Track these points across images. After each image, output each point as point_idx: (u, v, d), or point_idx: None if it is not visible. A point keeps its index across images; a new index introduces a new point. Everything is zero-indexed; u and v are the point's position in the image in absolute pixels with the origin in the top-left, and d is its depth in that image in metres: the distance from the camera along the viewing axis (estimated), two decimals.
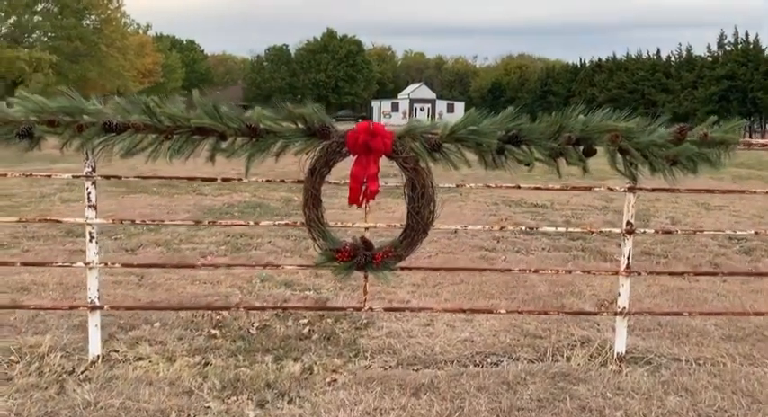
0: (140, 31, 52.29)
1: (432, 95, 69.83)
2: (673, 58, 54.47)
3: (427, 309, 3.80)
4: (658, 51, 55.59)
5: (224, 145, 3.36)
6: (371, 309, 3.63)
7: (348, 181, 3.37)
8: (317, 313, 4.41)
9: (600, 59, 60.66)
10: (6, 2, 33.61)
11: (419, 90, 70.23)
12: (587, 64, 62.05)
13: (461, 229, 3.82)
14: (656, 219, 9.23)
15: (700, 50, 60.84)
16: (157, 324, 4.14)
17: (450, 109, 64.08)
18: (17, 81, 32.29)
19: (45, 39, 36.94)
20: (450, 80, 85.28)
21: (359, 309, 3.71)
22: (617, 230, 3.74)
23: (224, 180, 3.43)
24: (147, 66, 49.10)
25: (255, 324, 4.21)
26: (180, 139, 3.36)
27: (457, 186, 3.63)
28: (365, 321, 4.25)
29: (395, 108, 66.30)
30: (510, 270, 4.27)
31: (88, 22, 39.09)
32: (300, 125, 3.35)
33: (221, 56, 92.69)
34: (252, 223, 3.49)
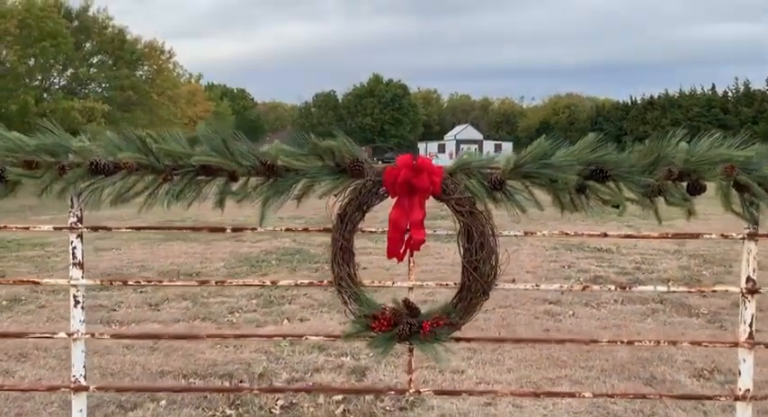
0: (192, 81, 53.74)
1: (479, 136, 69.32)
2: (730, 94, 52.72)
3: (490, 392, 3.01)
4: (713, 87, 53.92)
5: (235, 187, 2.73)
6: (419, 392, 2.88)
7: (387, 229, 2.69)
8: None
9: (652, 96, 59.22)
10: (64, 55, 34.85)
11: (465, 131, 69.86)
12: (638, 101, 60.64)
13: (531, 287, 3.01)
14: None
15: (758, 84, 58.72)
16: (164, 403, 3.48)
17: (498, 149, 63.24)
18: (72, 132, 33.13)
19: (99, 89, 38.07)
20: (497, 121, 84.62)
21: (403, 392, 2.96)
22: (735, 289, 2.92)
23: (234, 230, 2.80)
24: (198, 113, 50.19)
25: (280, 402, 3.50)
26: (181, 181, 2.75)
27: (525, 234, 2.90)
28: (411, 399, 3.49)
29: (441, 149, 65.87)
30: (597, 341, 3.43)
31: (141, 72, 40.22)
32: (327, 161, 2.70)
33: (271, 103, 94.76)
34: (269, 283, 2.81)
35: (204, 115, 53.58)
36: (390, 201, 2.72)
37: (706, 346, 4.38)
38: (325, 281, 2.76)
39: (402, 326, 2.61)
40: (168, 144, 2.73)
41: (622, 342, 3.67)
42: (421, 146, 68.79)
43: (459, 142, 66.50)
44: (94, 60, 38.89)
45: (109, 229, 2.82)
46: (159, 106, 39.27)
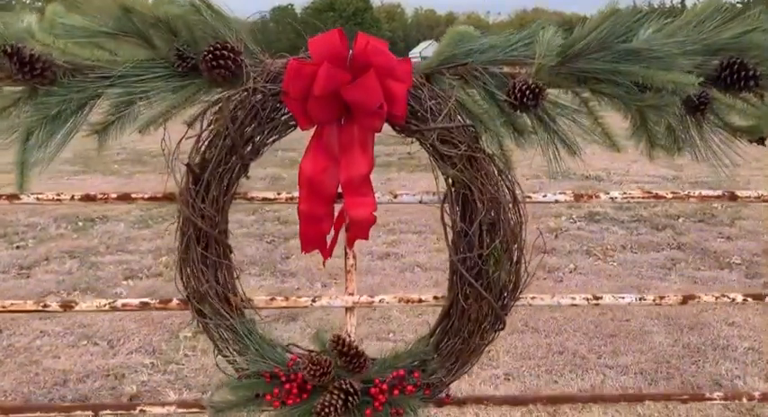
0: None
1: None
2: None
3: None
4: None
5: None
6: None
7: (297, 191, 1.29)
8: None
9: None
10: None
11: (431, 47, 67.33)
12: None
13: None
14: None
15: None
16: None
17: None
18: None
19: None
20: None
21: None
22: None
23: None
24: None
25: None
26: None
27: (578, 199, 1.49)
28: None
29: None
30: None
31: None
32: (161, 47, 1.24)
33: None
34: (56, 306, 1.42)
35: None
36: (300, 138, 1.30)
37: (738, 304, 3.17)
38: (175, 301, 1.36)
39: (330, 395, 1.25)
40: None
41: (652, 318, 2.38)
42: None
43: (424, 59, 63.91)
44: None
45: None
46: None
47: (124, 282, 4.09)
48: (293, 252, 4.49)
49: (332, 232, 1.33)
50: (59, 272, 4.28)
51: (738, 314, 3.56)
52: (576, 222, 5.74)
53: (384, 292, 3.59)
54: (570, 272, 4.41)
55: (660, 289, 3.97)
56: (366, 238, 1.31)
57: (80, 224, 5.53)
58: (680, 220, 5.83)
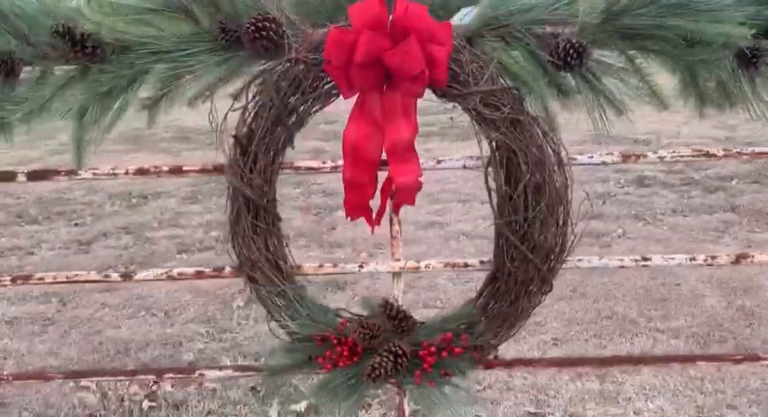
0: None
1: None
2: None
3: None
4: None
5: (17, 87, 1.32)
6: None
7: (341, 161, 1.31)
8: None
9: None
10: None
11: (470, 15, 65.99)
12: None
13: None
14: None
15: None
16: None
17: None
18: None
19: None
20: None
21: None
22: None
23: (32, 178, 1.41)
24: None
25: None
26: None
27: (626, 159, 1.45)
28: None
29: None
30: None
31: None
32: (204, 22, 1.26)
33: None
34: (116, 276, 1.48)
35: None
36: (344, 107, 1.31)
37: None
38: (228, 270, 1.41)
39: (380, 358, 1.29)
40: None
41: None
42: None
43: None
44: None
45: None
46: None
47: (178, 256, 4.23)
48: (339, 224, 4.55)
49: (378, 200, 1.35)
50: (117, 247, 4.44)
51: None
52: (624, 187, 5.63)
53: (431, 253, 3.62)
54: (619, 237, 4.35)
55: (713, 252, 3.88)
56: (413, 204, 1.33)
57: (134, 201, 5.71)
58: (733, 182, 5.65)
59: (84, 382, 2.53)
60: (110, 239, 4.67)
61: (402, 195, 1.31)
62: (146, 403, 2.40)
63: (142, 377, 1.49)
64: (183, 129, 9.49)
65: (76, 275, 1.42)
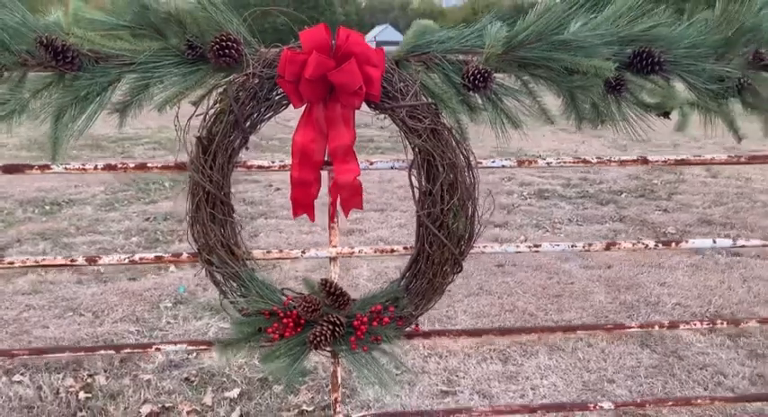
0: None
1: (399, 37, 66.83)
2: None
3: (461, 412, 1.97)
4: None
5: None
6: None
7: (289, 163, 1.54)
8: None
9: None
10: None
11: (385, 32, 67.19)
12: None
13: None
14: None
15: None
16: None
17: None
18: None
19: None
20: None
21: None
22: None
23: (6, 171, 1.55)
24: None
25: (146, 411, 2.41)
26: None
27: (521, 164, 1.75)
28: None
29: None
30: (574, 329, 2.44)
31: None
32: (172, 39, 1.47)
33: None
34: (82, 260, 1.64)
35: None
36: (293, 115, 1.55)
37: (663, 267, 3.57)
38: (185, 255, 1.61)
39: (320, 327, 1.52)
40: None
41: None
42: None
43: (378, 44, 63.83)
44: None
45: None
46: None
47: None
48: (261, 231, 4.72)
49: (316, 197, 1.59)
50: (33, 253, 4.41)
51: (669, 275, 3.97)
52: (526, 199, 6.12)
53: (354, 261, 3.87)
54: (522, 242, 4.77)
55: (601, 255, 4.35)
56: (360, 208, 1.58)
57: (47, 208, 5.62)
58: (622, 196, 6.28)
59: (16, 377, 2.59)
60: (25, 245, 4.61)
61: (346, 196, 1.56)
62: (82, 395, 2.50)
63: (103, 352, 1.64)
64: (95, 137, 9.31)
65: (44, 259, 1.57)
